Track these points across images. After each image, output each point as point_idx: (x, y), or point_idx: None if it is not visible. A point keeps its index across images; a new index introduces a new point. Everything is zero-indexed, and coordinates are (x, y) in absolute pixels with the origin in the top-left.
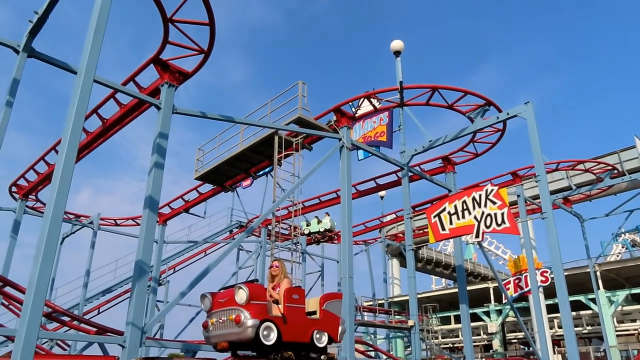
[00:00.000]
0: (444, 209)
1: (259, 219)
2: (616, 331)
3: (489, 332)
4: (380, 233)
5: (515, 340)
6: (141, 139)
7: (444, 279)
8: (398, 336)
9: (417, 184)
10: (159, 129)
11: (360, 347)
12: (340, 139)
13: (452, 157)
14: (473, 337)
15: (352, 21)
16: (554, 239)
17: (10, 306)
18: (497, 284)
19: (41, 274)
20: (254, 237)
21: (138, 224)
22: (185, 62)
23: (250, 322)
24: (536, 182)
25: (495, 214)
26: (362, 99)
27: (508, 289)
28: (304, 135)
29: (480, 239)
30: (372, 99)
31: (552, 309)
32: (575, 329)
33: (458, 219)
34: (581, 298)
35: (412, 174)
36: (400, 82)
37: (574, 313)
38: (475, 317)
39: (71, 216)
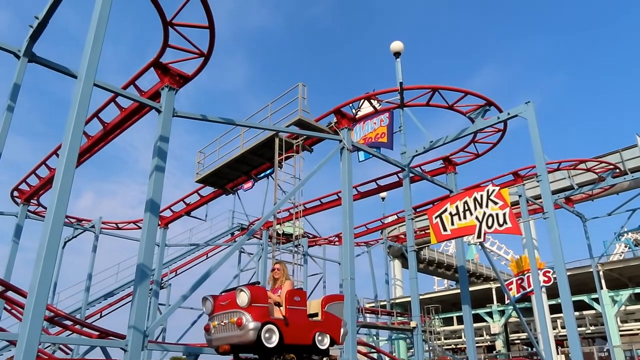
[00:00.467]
0: (446, 210)
1: (260, 221)
2: (620, 331)
3: (492, 333)
4: (382, 234)
5: (518, 341)
6: (142, 142)
7: (446, 280)
8: (400, 338)
9: (418, 184)
10: (159, 132)
11: (363, 349)
12: (340, 141)
13: (453, 158)
14: (476, 338)
15: (351, 23)
16: (556, 239)
17: (13, 310)
18: (499, 285)
19: (43, 278)
20: (255, 239)
21: (139, 228)
22: (185, 65)
23: (252, 324)
24: (538, 182)
25: (496, 214)
26: (362, 101)
27: (510, 289)
28: (305, 137)
29: (482, 239)
30: (372, 100)
31: (555, 309)
32: (579, 329)
33: (460, 219)
34: (584, 298)
35: (413, 174)
36: (401, 83)
37: (577, 313)
38: (477, 318)
39: (73, 220)
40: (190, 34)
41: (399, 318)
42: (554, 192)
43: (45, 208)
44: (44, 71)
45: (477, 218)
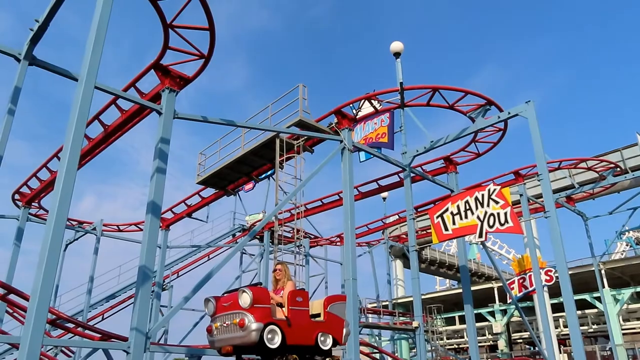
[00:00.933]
0: (447, 210)
1: (261, 222)
2: (622, 329)
3: (494, 332)
4: (383, 234)
5: (521, 340)
6: (143, 144)
7: (447, 280)
8: (403, 338)
9: (419, 184)
10: (160, 134)
11: (365, 349)
12: (341, 141)
13: (453, 158)
14: (478, 338)
15: (351, 23)
16: (558, 238)
17: (15, 314)
18: (501, 284)
19: (45, 280)
20: (257, 240)
21: (141, 230)
22: (185, 67)
23: (254, 325)
24: (538, 181)
25: (498, 214)
26: (362, 101)
27: (512, 288)
28: (305, 137)
29: (483, 238)
30: (372, 101)
31: (557, 308)
32: (581, 328)
33: (461, 219)
34: (586, 297)
35: (414, 174)
36: (401, 83)
37: (579, 312)
38: (480, 318)
39: (74, 223)
40: (190, 35)
41: (401, 318)
42: (555, 191)
43: (47, 211)
44: (45, 74)
45: (478, 217)
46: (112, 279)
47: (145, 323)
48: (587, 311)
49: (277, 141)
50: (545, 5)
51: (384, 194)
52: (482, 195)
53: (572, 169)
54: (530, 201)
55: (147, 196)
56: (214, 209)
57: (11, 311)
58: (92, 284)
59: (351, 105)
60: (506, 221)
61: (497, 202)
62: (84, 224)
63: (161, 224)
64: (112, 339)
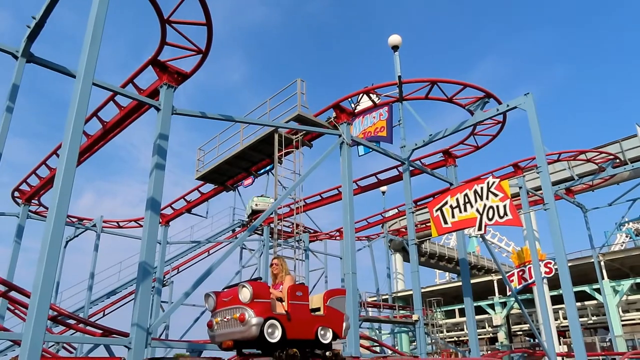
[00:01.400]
0: (446, 203)
1: (261, 217)
2: (622, 321)
3: (494, 324)
4: (383, 228)
5: (521, 333)
6: (142, 140)
7: (447, 273)
8: (403, 331)
9: (418, 178)
10: (158, 130)
11: (365, 343)
12: (340, 135)
13: (452, 151)
14: (478, 330)
15: (349, 17)
16: (557, 230)
17: (16, 311)
18: (501, 277)
19: (46, 277)
20: (256, 235)
21: (141, 226)
22: (183, 62)
23: (254, 320)
24: (538, 173)
25: (497, 206)
26: (361, 95)
27: (512, 281)
28: (304, 132)
29: (482, 231)
30: (371, 95)
31: (557, 300)
32: (581, 319)
33: (460, 212)
34: (586, 288)
35: (413, 168)
36: (399, 77)
37: (578, 304)
38: (479, 310)
39: (74, 219)
40: (188, 31)
41: (401, 311)
42: (554, 183)
43: (46, 208)
44: (43, 71)
45: (477, 210)
46: (113, 275)
47: (146, 319)
48: (586, 303)
49: (276, 136)
50: None
51: (383, 188)
52: (482, 188)
53: (571, 161)
54: (530, 193)
55: (147, 192)
56: (213, 204)
57: (12, 308)
58: (92, 280)
59: (350, 99)
60: (505, 214)
61: (496, 195)
62: (84, 221)
63: (161, 220)
64: (114, 335)
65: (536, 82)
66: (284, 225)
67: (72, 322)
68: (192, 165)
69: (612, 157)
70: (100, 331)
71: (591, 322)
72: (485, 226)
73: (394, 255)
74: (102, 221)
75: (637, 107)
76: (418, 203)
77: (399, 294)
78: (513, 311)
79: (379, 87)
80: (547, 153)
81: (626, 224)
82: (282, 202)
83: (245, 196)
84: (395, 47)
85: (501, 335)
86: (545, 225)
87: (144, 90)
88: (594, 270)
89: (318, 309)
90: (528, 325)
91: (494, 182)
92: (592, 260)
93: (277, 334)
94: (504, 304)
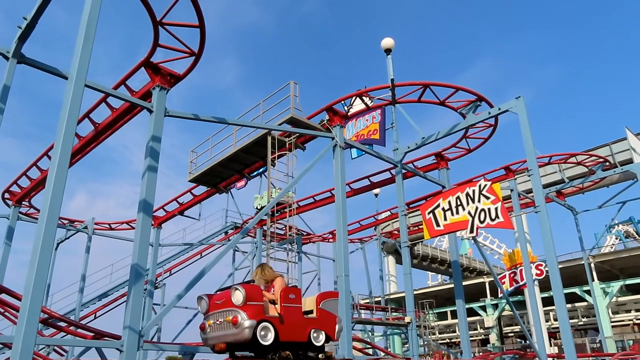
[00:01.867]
0: (438, 205)
1: (253, 219)
2: (611, 322)
3: (486, 326)
4: (376, 231)
5: (512, 334)
6: (134, 142)
7: (439, 275)
8: (395, 333)
9: (410, 180)
10: (151, 132)
11: (358, 345)
12: (333, 138)
13: (445, 154)
14: (470, 332)
15: (343, 19)
16: (548, 232)
17: (6, 313)
18: (492, 279)
19: (37, 280)
20: (249, 237)
21: (133, 228)
22: (176, 64)
23: (247, 322)
24: (529, 176)
25: (489, 209)
26: (354, 98)
27: (504, 283)
28: (297, 135)
29: (474, 234)
30: (364, 97)
31: (548, 301)
32: (571, 321)
33: (452, 214)
34: (576, 290)
35: (405, 171)
36: (392, 80)
37: (569, 305)
38: (471, 312)
39: (65, 221)
40: (180, 33)
41: (394, 313)
42: (545, 186)
43: (37, 210)
44: (34, 72)
45: (469, 213)
46: (104, 278)
47: (138, 321)
48: (577, 304)
49: (269, 138)
50: (536, 0)
51: (376, 191)
52: (473, 190)
53: (562, 164)
54: (521, 196)
55: (139, 194)
56: (206, 206)
57: (3, 311)
58: (84, 282)
59: (343, 102)
60: (497, 216)
61: (487, 198)
62: (76, 223)
63: (153, 222)
64: (105, 338)
65: (528, 84)
66: (277, 228)
67: (63, 324)
68: (184, 168)
69: (602, 160)
70: (92, 334)
71: (581, 323)
72: (477, 228)
73: (386, 258)
74: (94, 223)
75: (627, 110)
76: (411, 205)
77: (392, 296)
78: (504, 313)
79: (372, 90)
80: (538, 156)
81: (616, 226)
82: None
83: (238, 198)
84: (388, 50)
85: (493, 337)
86: (537, 228)
87: (137, 92)
88: (584, 272)
89: (311, 312)
90: (519, 326)
91: (485, 185)
92: (583, 262)
93: (270, 337)
94: (495, 306)
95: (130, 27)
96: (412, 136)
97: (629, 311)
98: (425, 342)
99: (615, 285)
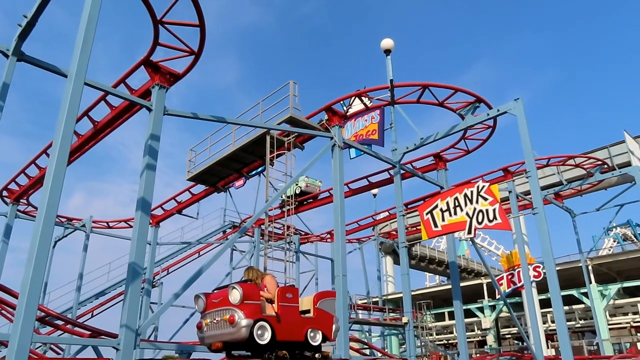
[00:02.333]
0: (436, 206)
1: (252, 218)
2: (608, 324)
3: (483, 327)
4: (374, 231)
5: (509, 336)
6: (133, 141)
7: (437, 276)
8: (393, 333)
9: (409, 181)
10: (150, 130)
11: (355, 345)
12: (332, 138)
13: (443, 154)
14: (467, 333)
15: (342, 20)
16: (546, 234)
17: (3, 311)
18: (490, 280)
19: (34, 278)
20: (247, 237)
21: (131, 226)
22: (176, 63)
23: (244, 321)
24: (527, 178)
25: (487, 210)
26: (353, 98)
27: (501, 284)
28: (296, 134)
29: (472, 235)
30: (363, 98)
31: (545, 303)
32: (568, 323)
33: (450, 215)
34: (573, 292)
35: (404, 171)
36: (391, 81)
37: (566, 307)
38: (469, 313)
39: (63, 219)
40: (180, 32)
41: (391, 314)
42: (543, 188)
43: (35, 207)
44: (34, 70)
45: (467, 214)
46: (102, 276)
47: (135, 320)
48: (574, 307)
49: (268, 138)
50: (535, 3)
51: (374, 191)
52: (471, 192)
53: (560, 166)
54: (519, 198)
55: (137, 193)
56: (204, 205)
57: None
58: (81, 281)
59: (342, 102)
60: (495, 218)
61: (485, 199)
62: (73, 221)
63: (151, 221)
64: (102, 336)
65: (527, 86)
66: (274, 227)
67: (60, 322)
68: (183, 166)
69: (600, 162)
70: (89, 332)
71: (579, 325)
72: (475, 230)
73: (384, 258)
74: (92, 221)
75: (626, 113)
76: (409, 206)
77: (389, 297)
78: (502, 314)
79: (371, 91)
80: (537, 158)
81: (614, 229)
82: (274, 204)
83: (237, 197)
84: (387, 51)
85: (490, 339)
86: (534, 230)
87: (136, 90)
88: (581, 275)
89: (308, 311)
90: (517, 328)
91: (483, 186)
92: (580, 264)
93: (267, 336)
94: (493, 307)
95: (130, 26)
96: (410, 137)
97: (626, 314)
98: (423, 343)
99: (613, 288)
